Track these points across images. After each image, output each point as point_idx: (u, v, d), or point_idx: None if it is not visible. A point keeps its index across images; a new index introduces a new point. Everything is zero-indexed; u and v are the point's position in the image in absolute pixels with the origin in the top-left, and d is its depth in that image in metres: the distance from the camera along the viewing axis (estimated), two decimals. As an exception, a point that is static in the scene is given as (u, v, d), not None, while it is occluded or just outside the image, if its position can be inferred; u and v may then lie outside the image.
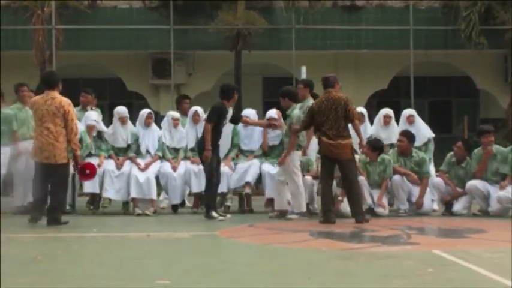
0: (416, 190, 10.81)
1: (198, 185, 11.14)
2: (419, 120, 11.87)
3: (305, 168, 10.63)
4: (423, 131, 11.64)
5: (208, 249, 7.66)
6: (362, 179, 10.41)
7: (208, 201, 10.29)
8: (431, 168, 11.32)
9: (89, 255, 7.26)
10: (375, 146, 10.72)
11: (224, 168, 10.93)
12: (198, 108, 11.65)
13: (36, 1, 18.99)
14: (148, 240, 8.37)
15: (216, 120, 10.19)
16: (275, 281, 5.78)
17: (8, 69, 20.04)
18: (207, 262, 6.70)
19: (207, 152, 10.06)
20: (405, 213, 10.71)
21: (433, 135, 11.79)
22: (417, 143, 11.21)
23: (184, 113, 11.97)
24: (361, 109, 11.93)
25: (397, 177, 10.71)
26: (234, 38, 18.44)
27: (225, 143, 11.04)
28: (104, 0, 19.98)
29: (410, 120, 11.76)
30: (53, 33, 18.19)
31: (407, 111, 12.04)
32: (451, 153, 11.07)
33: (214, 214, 10.10)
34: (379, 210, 10.53)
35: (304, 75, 16.40)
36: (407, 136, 10.95)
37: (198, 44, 19.50)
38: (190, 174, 11.17)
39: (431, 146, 11.68)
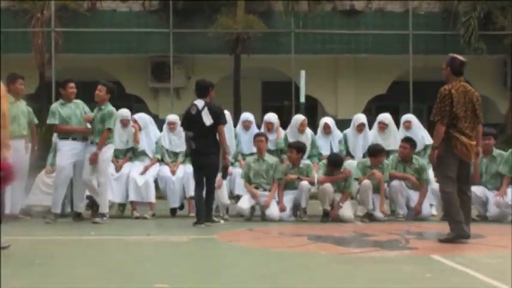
0: (415, 195, 10.81)
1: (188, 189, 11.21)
2: (417, 126, 11.86)
3: (304, 173, 10.65)
4: (419, 137, 11.63)
5: (206, 253, 7.66)
6: (367, 182, 10.44)
7: (210, 207, 10.12)
8: (430, 173, 11.31)
9: (87, 258, 7.25)
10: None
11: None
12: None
13: (36, 3, 19.00)
14: (147, 244, 8.36)
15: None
16: (274, 285, 5.78)
17: (7, 72, 20.02)
18: (206, 266, 6.70)
19: (227, 155, 10.06)
20: (404, 218, 10.71)
21: (431, 141, 11.75)
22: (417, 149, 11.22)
23: None
24: (359, 116, 11.97)
25: (395, 182, 10.70)
26: (233, 41, 18.47)
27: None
28: (103, 2, 20.00)
29: (406, 125, 11.77)
30: (52, 35, 18.22)
31: (405, 117, 12.05)
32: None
33: (215, 218, 10.15)
34: (378, 214, 10.52)
35: (303, 80, 16.43)
36: (410, 142, 10.95)
37: (197, 47, 19.52)
38: (189, 178, 11.16)
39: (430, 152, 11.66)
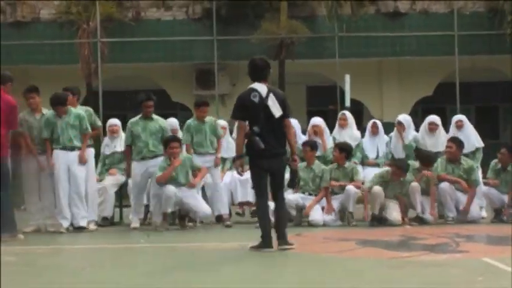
0: (464, 198, 10.67)
1: (244, 194, 11.17)
2: (469, 127, 11.70)
3: (349, 174, 10.59)
4: (472, 139, 11.48)
5: (256, 259, 7.64)
6: (415, 184, 10.36)
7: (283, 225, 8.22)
8: (479, 174, 11.15)
9: (137, 265, 7.30)
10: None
11: None
12: None
13: (82, 14, 19.26)
14: (196, 251, 8.38)
15: None
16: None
17: (54, 83, 20.33)
18: (256, 272, 6.70)
19: (296, 157, 8.10)
20: (453, 221, 10.58)
21: (482, 144, 11.62)
22: (465, 150, 11.06)
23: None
24: (403, 116, 11.86)
25: (445, 184, 10.57)
26: (277, 47, 18.48)
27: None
28: (147, 11, 20.20)
29: (459, 124, 11.61)
30: (99, 46, 18.44)
31: (457, 117, 11.92)
32: (495, 160, 10.90)
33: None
34: (427, 217, 10.41)
35: (348, 84, 16.37)
36: (456, 142, 10.81)
37: (241, 54, 19.51)
38: (236, 183, 11.16)
39: (479, 155, 11.50)
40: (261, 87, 7.82)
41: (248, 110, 7.79)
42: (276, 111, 7.74)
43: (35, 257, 7.93)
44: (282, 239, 7.85)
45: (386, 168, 10.82)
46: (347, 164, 10.69)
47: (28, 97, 10.35)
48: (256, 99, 7.76)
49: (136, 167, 10.48)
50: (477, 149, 11.44)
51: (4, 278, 6.29)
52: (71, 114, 10.19)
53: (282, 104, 7.81)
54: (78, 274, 6.61)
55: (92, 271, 6.82)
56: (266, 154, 7.72)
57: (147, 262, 7.56)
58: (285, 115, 7.86)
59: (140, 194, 10.58)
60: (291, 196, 10.10)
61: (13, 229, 9.00)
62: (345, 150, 10.72)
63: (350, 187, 10.40)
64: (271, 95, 7.78)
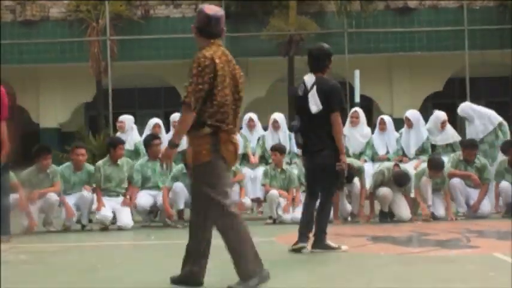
0: (475, 193, 10.64)
1: (254, 190, 11.18)
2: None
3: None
4: (492, 117, 11.53)
5: (265, 256, 7.63)
6: (425, 179, 10.32)
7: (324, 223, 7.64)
8: (492, 171, 11.05)
9: (147, 262, 7.31)
10: None
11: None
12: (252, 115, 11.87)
13: (91, 13, 19.32)
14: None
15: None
16: (334, 286, 5.76)
17: (65, 81, 20.44)
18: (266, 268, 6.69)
19: (343, 156, 7.35)
20: (464, 217, 10.55)
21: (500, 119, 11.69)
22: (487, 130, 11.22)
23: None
24: (410, 112, 11.82)
25: (455, 180, 10.54)
26: (286, 43, 18.49)
27: None
28: (157, 9, 20.22)
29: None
30: (108, 44, 18.47)
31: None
32: (503, 158, 10.82)
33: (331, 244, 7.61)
34: (439, 213, 10.38)
35: (357, 79, 16.34)
36: (475, 148, 10.73)
37: (251, 50, 19.57)
38: (247, 180, 11.16)
39: (505, 129, 11.55)
40: (310, 79, 7.37)
41: (295, 103, 7.52)
42: (314, 106, 7.25)
43: (47, 255, 7.96)
44: (318, 244, 7.49)
45: (387, 164, 10.68)
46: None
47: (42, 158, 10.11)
48: (301, 92, 7.39)
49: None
50: (500, 124, 11.47)
51: (16, 277, 6.33)
52: None
53: (325, 97, 7.20)
54: (90, 272, 6.63)
55: (103, 269, 6.84)
56: (305, 150, 7.46)
57: (158, 259, 7.58)
58: (329, 109, 7.20)
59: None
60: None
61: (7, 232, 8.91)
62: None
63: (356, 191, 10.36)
64: (314, 87, 7.27)
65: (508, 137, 11.32)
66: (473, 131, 11.29)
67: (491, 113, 11.59)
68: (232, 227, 5.38)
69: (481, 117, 11.45)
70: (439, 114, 11.73)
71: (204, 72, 5.36)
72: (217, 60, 5.44)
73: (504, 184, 10.63)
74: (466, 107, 11.79)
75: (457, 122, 12.03)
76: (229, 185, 5.59)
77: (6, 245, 8.11)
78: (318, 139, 7.27)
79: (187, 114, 5.27)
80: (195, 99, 5.27)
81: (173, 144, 5.40)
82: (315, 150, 7.29)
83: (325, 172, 7.28)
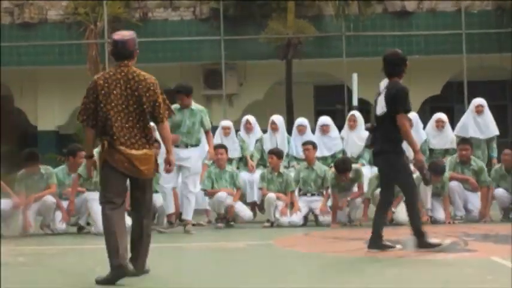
0: (473, 197, 10.65)
1: (251, 194, 11.17)
2: (488, 113, 11.80)
3: (354, 180, 10.60)
4: (492, 126, 11.63)
5: (264, 259, 7.66)
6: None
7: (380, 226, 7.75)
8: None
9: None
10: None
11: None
12: (250, 117, 11.89)
13: (89, 15, 19.32)
14: (205, 251, 8.40)
15: None
16: (332, 290, 5.77)
17: (63, 84, 20.43)
18: (263, 271, 6.70)
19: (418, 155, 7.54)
20: (462, 220, 10.56)
21: (498, 133, 11.73)
22: (484, 136, 11.28)
23: None
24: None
25: (453, 183, 10.55)
26: (284, 47, 18.49)
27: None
28: (155, 11, 20.22)
29: (479, 109, 11.71)
30: (106, 46, 18.46)
31: (477, 100, 11.97)
32: (499, 164, 10.84)
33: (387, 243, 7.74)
34: (438, 216, 10.38)
35: (355, 83, 16.36)
36: (470, 144, 10.77)
37: (249, 54, 19.58)
38: (246, 184, 11.16)
39: (495, 145, 11.58)
40: (383, 84, 7.71)
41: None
42: (378, 108, 7.60)
43: (45, 257, 7.96)
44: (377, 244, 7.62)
45: None
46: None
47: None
48: (375, 96, 7.75)
49: None
50: (493, 138, 11.52)
51: (15, 279, 6.33)
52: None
53: (391, 99, 7.45)
54: (88, 275, 6.63)
55: (101, 271, 6.83)
56: (373, 152, 7.85)
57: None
58: (393, 111, 7.43)
59: None
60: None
61: None
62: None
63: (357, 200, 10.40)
64: (384, 91, 7.58)
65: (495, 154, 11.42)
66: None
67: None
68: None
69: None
70: (438, 114, 11.78)
71: (89, 94, 6.28)
72: (100, 82, 6.32)
73: (499, 191, 10.63)
74: None
75: (454, 125, 12.00)
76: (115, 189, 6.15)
77: (5, 247, 8.13)
78: (382, 140, 7.56)
79: (86, 130, 6.31)
80: (87, 116, 6.21)
81: (87, 156, 6.56)
82: (378, 151, 7.65)
83: (391, 174, 7.56)
